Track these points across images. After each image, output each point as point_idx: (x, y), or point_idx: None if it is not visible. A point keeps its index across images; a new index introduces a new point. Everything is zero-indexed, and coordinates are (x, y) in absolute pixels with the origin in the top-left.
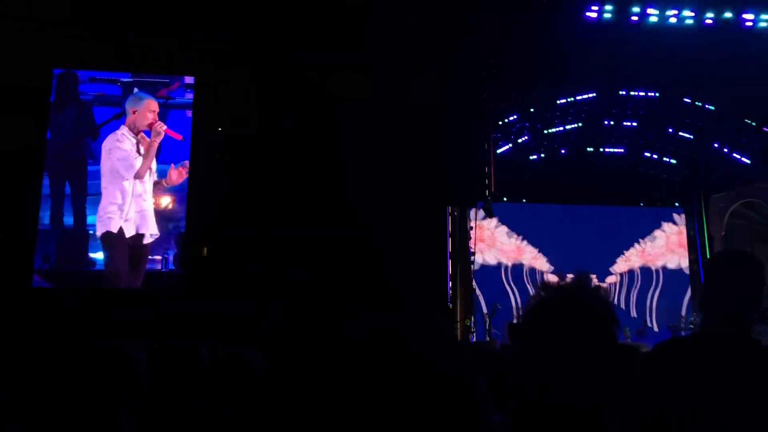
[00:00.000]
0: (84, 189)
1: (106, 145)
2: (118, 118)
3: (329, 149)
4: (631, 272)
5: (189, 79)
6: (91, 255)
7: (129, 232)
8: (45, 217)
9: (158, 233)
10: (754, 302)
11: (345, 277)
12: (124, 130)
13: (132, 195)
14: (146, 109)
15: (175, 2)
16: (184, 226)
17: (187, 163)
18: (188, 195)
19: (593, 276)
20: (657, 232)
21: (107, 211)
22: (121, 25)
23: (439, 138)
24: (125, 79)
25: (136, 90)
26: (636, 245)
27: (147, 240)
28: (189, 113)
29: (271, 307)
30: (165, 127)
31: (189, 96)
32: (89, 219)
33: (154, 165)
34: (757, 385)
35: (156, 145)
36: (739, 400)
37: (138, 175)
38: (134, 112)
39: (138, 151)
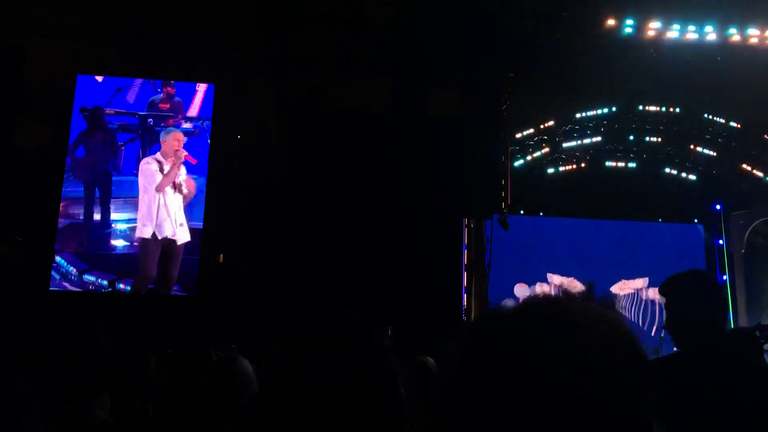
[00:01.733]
0: (109, 194)
1: (140, 166)
2: (133, 141)
3: (347, 160)
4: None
5: (191, 112)
6: (113, 242)
7: (160, 236)
8: (80, 214)
9: (189, 239)
10: (719, 320)
11: (360, 287)
12: (157, 155)
13: (160, 205)
14: (173, 139)
15: (196, 12)
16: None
17: (190, 176)
18: (206, 202)
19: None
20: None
21: (142, 220)
22: (144, 33)
23: (457, 150)
24: (141, 113)
25: (149, 121)
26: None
27: (179, 243)
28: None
29: (282, 317)
30: (185, 153)
31: (187, 125)
32: (113, 216)
33: (183, 180)
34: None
35: (175, 166)
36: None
37: (158, 189)
38: (164, 142)
39: (162, 170)
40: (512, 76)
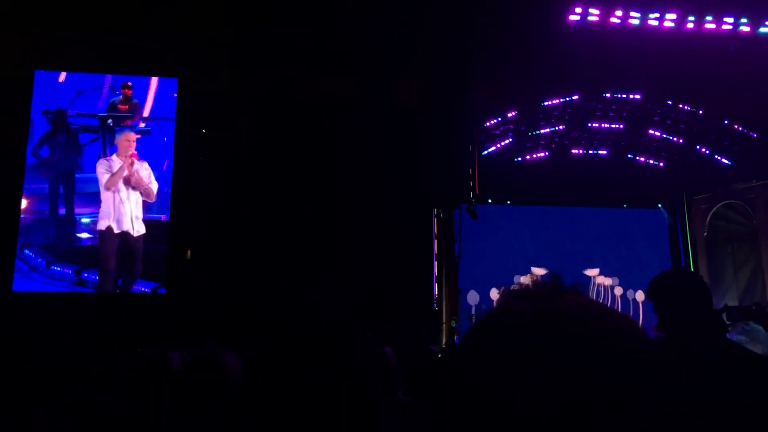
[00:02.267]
0: (73, 190)
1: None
2: (94, 141)
3: (316, 152)
4: (612, 274)
5: (146, 112)
6: (78, 235)
7: (116, 230)
8: (46, 209)
9: (143, 231)
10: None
11: (330, 278)
12: (113, 155)
13: (116, 202)
14: (124, 140)
15: (161, 4)
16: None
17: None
18: (171, 198)
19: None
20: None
21: (102, 215)
22: (105, 26)
23: (425, 140)
24: (101, 114)
25: (109, 122)
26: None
27: (135, 235)
28: (147, 136)
29: (253, 311)
30: (131, 152)
31: (143, 125)
32: (78, 210)
33: (146, 177)
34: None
35: (125, 165)
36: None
37: (106, 187)
38: (118, 143)
39: (111, 170)
40: (478, 65)
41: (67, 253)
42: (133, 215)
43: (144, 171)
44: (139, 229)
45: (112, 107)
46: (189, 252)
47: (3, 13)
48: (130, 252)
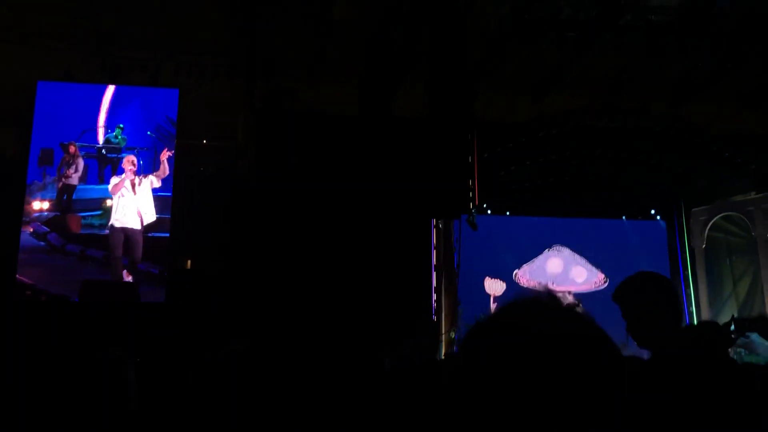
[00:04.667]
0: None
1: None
2: (92, 159)
3: (315, 162)
4: (610, 284)
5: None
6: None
7: (120, 225)
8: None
9: (140, 227)
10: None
11: (329, 288)
12: (121, 174)
13: (119, 205)
14: (126, 161)
15: (161, 15)
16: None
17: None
18: (172, 208)
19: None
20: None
21: (113, 214)
22: (106, 37)
23: (424, 151)
24: (98, 146)
25: (103, 151)
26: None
27: (135, 228)
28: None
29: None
30: (131, 169)
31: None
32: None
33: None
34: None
35: (124, 179)
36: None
37: (112, 193)
38: (124, 165)
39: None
40: (478, 75)
41: (76, 239)
42: (132, 214)
43: (146, 180)
44: (137, 224)
45: (107, 141)
46: (189, 262)
47: (6, 24)
48: (133, 243)
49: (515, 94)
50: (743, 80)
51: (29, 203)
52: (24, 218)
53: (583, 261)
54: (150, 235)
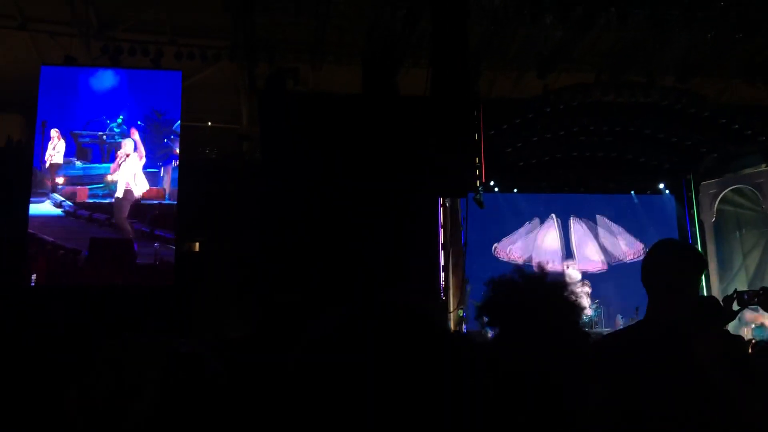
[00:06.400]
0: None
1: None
2: (94, 144)
3: (320, 142)
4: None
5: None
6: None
7: (120, 194)
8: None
9: (132, 197)
10: (692, 290)
11: (337, 269)
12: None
13: (120, 178)
14: (123, 143)
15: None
16: None
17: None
18: (178, 190)
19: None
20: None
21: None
22: (108, 21)
23: (430, 129)
24: (100, 132)
25: (105, 137)
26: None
27: (136, 194)
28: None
29: (258, 301)
30: (125, 150)
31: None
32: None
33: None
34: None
35: (120, 158)
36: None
37: (112, 170)
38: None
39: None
40: (483, 52)
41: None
42: (124, 182)
43: (135, 157)
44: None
45: (109, 129)
46: (197, 245)
47: (8, 10)
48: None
49: (521, 70)
50: (752, 51)
51: (48, 179)
52: (43, 190)
53: (621, 230)
54: (143, 202)
